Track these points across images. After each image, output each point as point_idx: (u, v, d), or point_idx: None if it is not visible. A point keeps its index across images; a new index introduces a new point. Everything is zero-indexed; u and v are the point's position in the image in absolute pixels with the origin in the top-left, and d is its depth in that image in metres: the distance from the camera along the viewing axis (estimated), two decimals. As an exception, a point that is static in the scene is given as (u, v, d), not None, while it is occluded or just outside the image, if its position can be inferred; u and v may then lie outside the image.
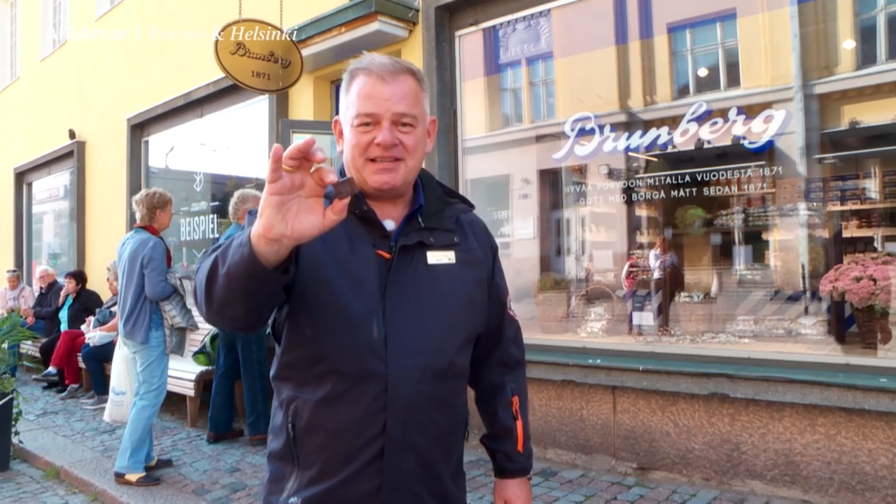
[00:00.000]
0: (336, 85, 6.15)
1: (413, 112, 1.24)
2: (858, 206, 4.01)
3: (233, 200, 4.92)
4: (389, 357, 1.20)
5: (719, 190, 4.17)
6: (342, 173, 1.31)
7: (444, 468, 1.31)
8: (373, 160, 1.23)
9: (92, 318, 7.12)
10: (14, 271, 9.98)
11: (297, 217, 0.94)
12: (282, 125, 5.63)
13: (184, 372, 5.56)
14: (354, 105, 1.24)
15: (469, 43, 5.20)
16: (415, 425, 1.23)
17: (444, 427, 1.29)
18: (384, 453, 1.21)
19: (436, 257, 1.30)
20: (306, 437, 1.23)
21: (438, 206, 1.35)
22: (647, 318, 4.53)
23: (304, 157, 0.91)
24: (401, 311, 1.23)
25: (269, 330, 1.31)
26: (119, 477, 4.11)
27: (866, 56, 3.87)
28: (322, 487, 1.22)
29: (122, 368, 4.49)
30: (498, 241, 5.60)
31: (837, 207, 4.04)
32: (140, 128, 8.57)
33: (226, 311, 1.07)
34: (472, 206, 1.44)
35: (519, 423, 1.47)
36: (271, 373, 1.31)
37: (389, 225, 1.28)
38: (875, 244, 3.97)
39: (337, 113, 1.26)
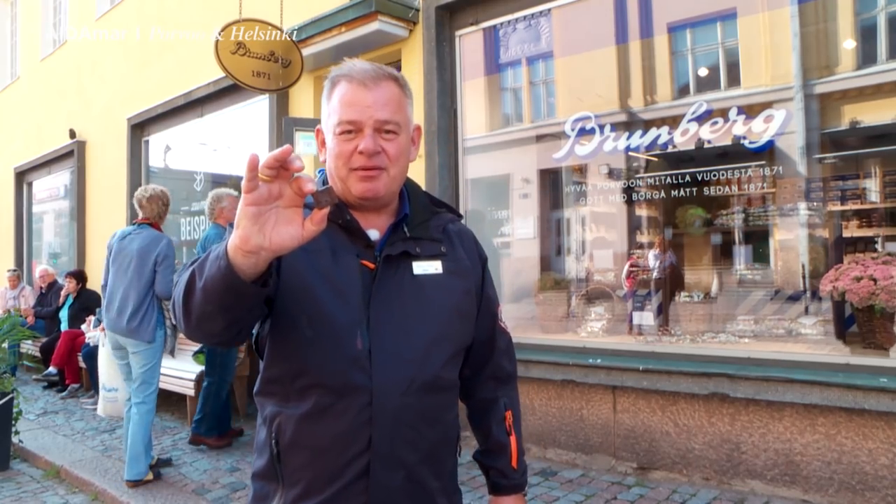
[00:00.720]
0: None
1: (396, 119, 1.20)
2: (859, 206, 4.00)
3: (208, 200, 4.91)
4: (374, 369, 1.16)
5: (719, 190, 4.17)
6: (325, 183, 1.27)
7: (435, 484, 1.26)
8: (356, 170, 1.20)
9: (92, 318, 7.13)
10: (14, 271, 9.98)
11: (275, 228, 0.90)
12: (284, 123, 5.61)
13: (184, 372, 5.55)
14: (336, 112, 1.20)
15: (469, 42, 5.20)
16: (402, 440, 1.18)
17: (433, 441, 1.24)
18: (370, 470, 1.16)
19: (422, 267, 1.26)
20: (290, 454, 1.19)
21: (425, 215, 1.32)
22: (647, 317, 4.53)
23: (282, 166, 0.87)
24: (386, 322, 1.19)
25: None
26: (138, 483, 4.08)
27: (867, 56, 3.86)
28: None
29: (111, 365, 4.51)
30: (498, 240, 5.54)
31: (838, 207, 4.03)
32: (140, 127, 8.57)
33: (204, 326, 1.03)
34: (460, 216, 1.41)
35: (513, 439, 1.43)
36: (255, 389, 1.28)
37: (374, 235, 1.25)
38: (876, 244, 3.96)
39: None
